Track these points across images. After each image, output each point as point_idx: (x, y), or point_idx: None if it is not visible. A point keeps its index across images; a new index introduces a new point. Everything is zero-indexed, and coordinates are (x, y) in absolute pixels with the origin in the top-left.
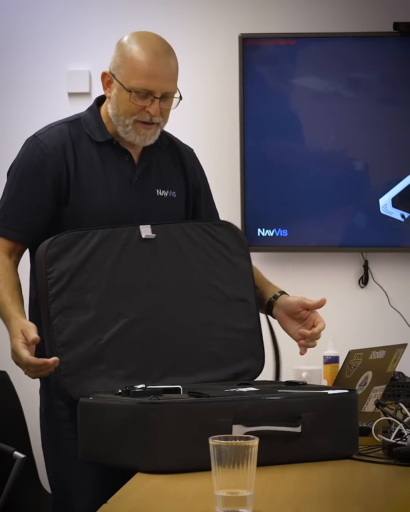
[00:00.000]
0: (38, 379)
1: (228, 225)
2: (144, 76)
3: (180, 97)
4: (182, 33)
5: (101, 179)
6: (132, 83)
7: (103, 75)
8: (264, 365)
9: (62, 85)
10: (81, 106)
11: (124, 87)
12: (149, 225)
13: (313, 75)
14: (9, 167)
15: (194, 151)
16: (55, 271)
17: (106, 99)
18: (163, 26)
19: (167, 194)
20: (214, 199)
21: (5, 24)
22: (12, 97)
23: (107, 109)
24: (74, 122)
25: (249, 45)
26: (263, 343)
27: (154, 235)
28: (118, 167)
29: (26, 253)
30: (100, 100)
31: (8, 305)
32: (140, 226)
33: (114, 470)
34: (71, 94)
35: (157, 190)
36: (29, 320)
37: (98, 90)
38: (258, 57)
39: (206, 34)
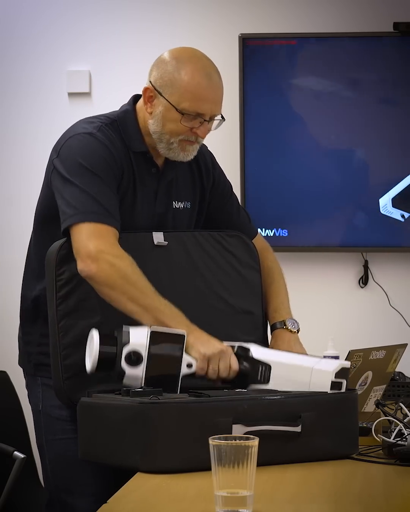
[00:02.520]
0: None
1: (239, 236)
2: (198, 100)
3: (223, 118)
4: (182, 33)
5: (132, 191)
6: (184, 105)
7: (146, 89)
8: None
9: (62, 85)
10: (81, 106)
11: (175, 108)
12: (161, 232)
13: (313, 75)
14: (54, 166)
15: (206, 147)
16: (65, 273)
17: (143, 105)
18: (163, 26)
19: (183, 205)
20: None
21: (5, 24)
22: (12, 97)
23: (144, 118)
24: (112, 124)
25: (249, 45)
26: None
27: (166, 242)
28: (146, 178)
29: (23, 251)
30: (136, 100)
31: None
32: (153, 232)
33: (114, 469)
34: (71, 94)
35: (174, 203)
36: (27, 319)
37: (98, 90)
38: (258, 57)
39: (206, 34)
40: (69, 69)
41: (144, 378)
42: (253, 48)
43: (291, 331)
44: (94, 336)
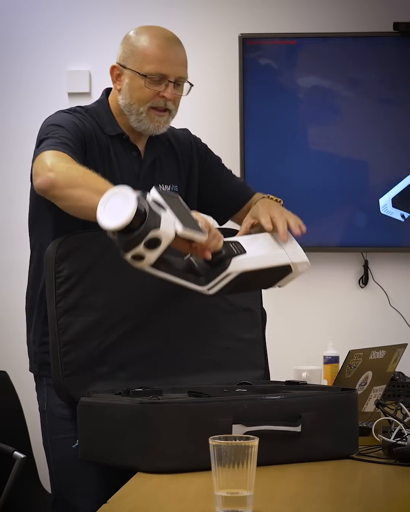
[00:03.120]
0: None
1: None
2: (158, 60)
3: (191, 84)
4: (182, 33)
5: (113, 172)
6: (147, 68)
7: (112, 68)
8: (265, 375)
9: (62, 85)
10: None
11: (139, 73)
12: None
13: (313, 75)
14: (39, 133)
15: (192, 135)
16: (64, 270)
17: (114, 93)
18: (163, 26)
19: (170, 188)
20: None
21: (5, 24)
22: (12, 97)
23: (116, 102)
24: (86, 112)
25: (249, 45)
26: (266, 354)
27: None
28: (127, 162)
29: (26, 253)
30: (108, 92)
31: None
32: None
33: (117, 469)
34: (71, 94)
35: (159, 185)
36: (26, 318)
37: (98, 91)
38: (258, 57)
39: (206, 34)
40: (69, 69)
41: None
42: (252, 48)
43: (274, 199)
44: (128, 195)
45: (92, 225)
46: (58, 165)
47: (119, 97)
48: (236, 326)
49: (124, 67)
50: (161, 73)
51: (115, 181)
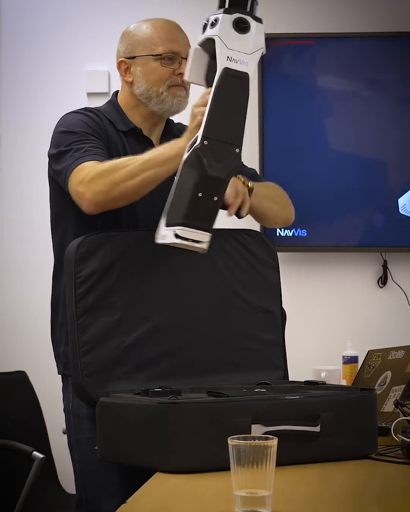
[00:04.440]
0: (57, 379)
1: (258, 235)
2: (168, 40)
3: None
4: (200, 32)
5: None
6: (159, 49)
7: (119, 63)
8: (284, 376)
9: (81, 85)
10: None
11: (153, 56)
12: None
13: (331, 75)
14: (52, 143)
15: None
16: (84, 270)
17: (124, 89)
18: (181, 25)
19: None
20: None
21: (24, 24)
22: (31, 97)
23: (125, 99)
24: (98, 111)
25: (268, 45)
26: (285, 355)
27: None
28: None
29: (46, 253)
30: (117, 94)
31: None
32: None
33: (136, 469)
34: (90, 94)
35: (175, 177)
36: (51, 320)
37: (114, 89)
38: (277, 57)
39: None
40: (88, 69)
41: None
42: (271, 48)
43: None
44: None
45: (112, 225)
46: (87, 176)
47: (134, 87)
48: (255, 327)
49: (132, 58)
50: (173, 50)
51: None
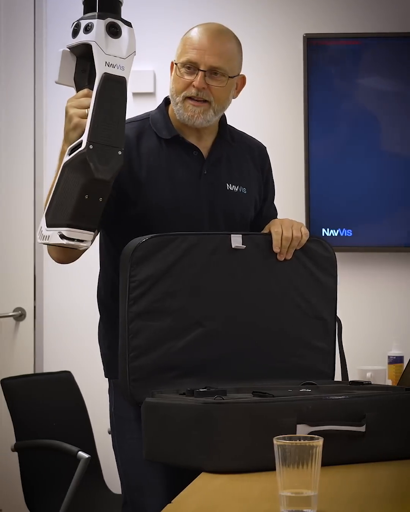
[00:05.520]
0: (104, 379)
1: (319, 241)
2: (191, 49)
3: (233, 77)
4: (247, 33)
5: (168, 172)
6: (181, 58)
7: (171, 65)
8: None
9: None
10: (146, 106)
11: (176, 64)
12: (240, 235)
13: (377, 75)
14: None
15: (266, 149)
16: (139, 275)
17: None
18: (229, 26)
19: (238, 189)
20: (280, 198)
21: (68, 26)
22: None
23: (173, 107)
24: (142, 121)
25: (314, 45)
26: (334, 364)
27: (244, 246)
28: (186, 161)
29: (96, 253)
30: (167, 99)
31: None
32: (231, 235)
33: (181, 469)
34: (135, 94)
35: (227, 185)
36: (99, 320)
37: (162, 90)
38: (323, 57)
39: (271, 34)
40: (134, 69)
41: None
42: (317, 48)
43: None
44: None
45: (150, 218)
46: None
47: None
48: (307, 334)
49: (173, 62)
50: (191, 61)
51: (168, 180)
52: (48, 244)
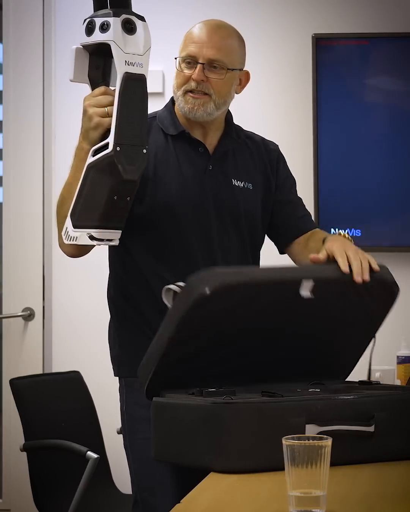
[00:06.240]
0: (113, 379)
1: (389, 287)
2: (190, 43)
3: (233, 70)
4: (256, 33)
5: (174, 168)
6: (182, 54)
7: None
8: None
9: None
10: (155, 106)
11: (176, 59)
12: (312, 282)
13: (386, 75)
14: None
15: (277, 146)
16: (196, 320)
17: None
18: (237, 26)
19: (243, 185)
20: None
21: (78, 25)
22: None
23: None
24: (149, 119)
25: (322, 45)
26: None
27: (313, 296)
28: (192, 157)
29: (95, 257)
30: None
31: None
32: (304, 281)
33: (193, 469)
34: None
35: (233, 180)
36: (111, 312)
37: (171, 90)
38: (331, 57)
39: (279, 34)
40: None
41: None
42: (326, 48)
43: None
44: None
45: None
46: None
47: None
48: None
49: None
50: (190, 54)
51: (174, 175)
52: (76, 245)
